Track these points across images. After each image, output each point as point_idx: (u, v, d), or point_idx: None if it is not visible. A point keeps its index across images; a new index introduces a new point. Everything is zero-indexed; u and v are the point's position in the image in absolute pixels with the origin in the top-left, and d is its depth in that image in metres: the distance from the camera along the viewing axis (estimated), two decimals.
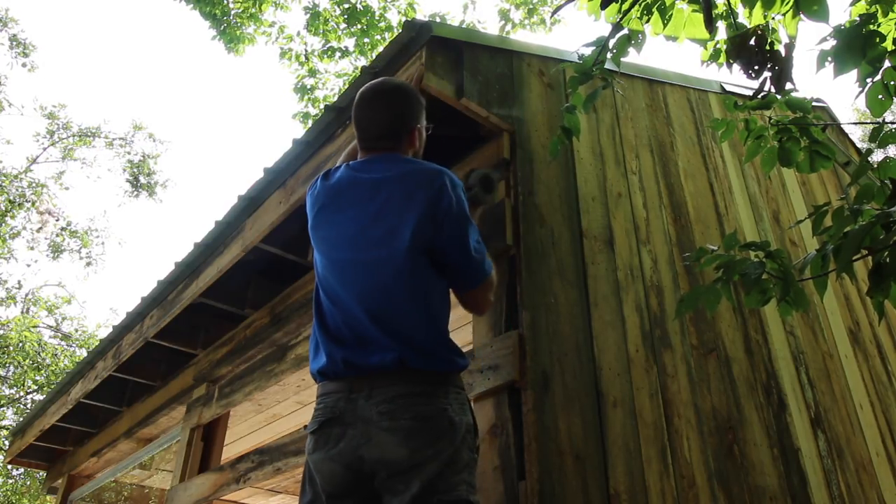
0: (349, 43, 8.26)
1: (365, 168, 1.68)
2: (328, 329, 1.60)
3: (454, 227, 1.57)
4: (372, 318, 1.53)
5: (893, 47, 1.72)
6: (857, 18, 1.60)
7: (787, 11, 1.87)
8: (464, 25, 8.02)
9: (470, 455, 1.49)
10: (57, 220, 14.19)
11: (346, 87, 2.48)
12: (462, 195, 1.64)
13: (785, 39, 1.86)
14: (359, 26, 8.05)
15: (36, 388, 12.60)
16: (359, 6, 8.01)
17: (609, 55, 2.03)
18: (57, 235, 14.23)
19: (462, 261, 1.60)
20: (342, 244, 1.62)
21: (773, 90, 1.81)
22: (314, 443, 1.53)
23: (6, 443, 11.96)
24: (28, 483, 13.21)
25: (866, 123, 2.61)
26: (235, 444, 4.41)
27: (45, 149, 14.21)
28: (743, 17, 2.01)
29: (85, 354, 11.41)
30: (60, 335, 13.72)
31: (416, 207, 1.55)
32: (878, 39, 1.58)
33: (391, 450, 1.43)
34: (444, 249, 1.58)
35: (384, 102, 1.73)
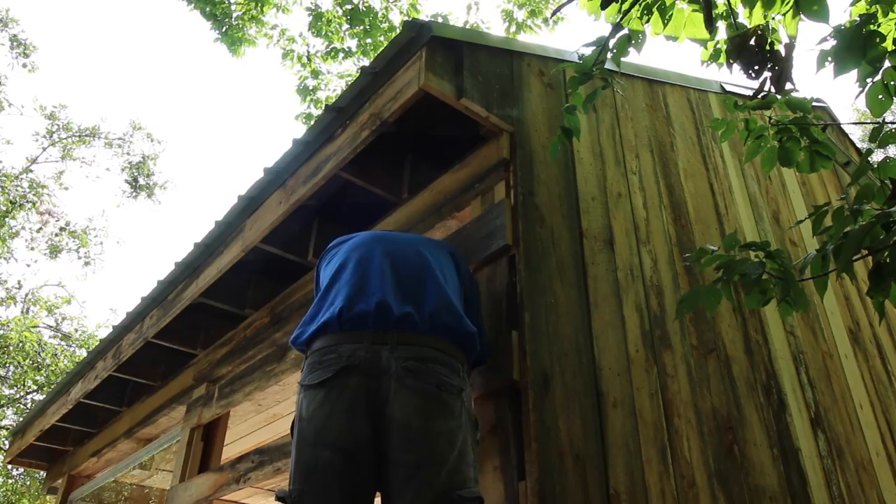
0: (352, 44, 8.26)
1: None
2: (364, 282, 1.61)
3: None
4: (415, 283, 1.64)
5: (893, 47, 1.72)
6: (857, 18, 1.60)
7: (787, 11, 1.87)
8: (467, 26, 8.02)
9: (475, 450, 1.51)
10: (56, 220, 14.20)
11: (347, 87, 2.48)
12: None
13: (785, 39, 1.86)
14: (361, 27, 8.05)
15: (36, 388, 12.59)
16: (361, 7, 8.01)
17: (609, 55, 2.03)
18: (56, 235, 14.23)
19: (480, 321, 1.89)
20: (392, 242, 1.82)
21: (773, 90, 1.81)
22: (323, 395, 1.41)
23: (6, 443, 11.96)
24: (28, 483, 13.21)
25: (866, 123, 2.61)
26: (235, 444, 4.40)
27: (44, 149, 14.22)
28: (743, 17, 2.01)
29: (85, 354, 11.41)
30: (60, 335, 13.72)
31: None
32: (878, 39, 1.58)
33: (411, 411, 1.38)
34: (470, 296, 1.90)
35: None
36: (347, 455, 1.37)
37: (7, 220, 13.29)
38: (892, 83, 1.65)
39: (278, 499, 1.41)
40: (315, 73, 8.39)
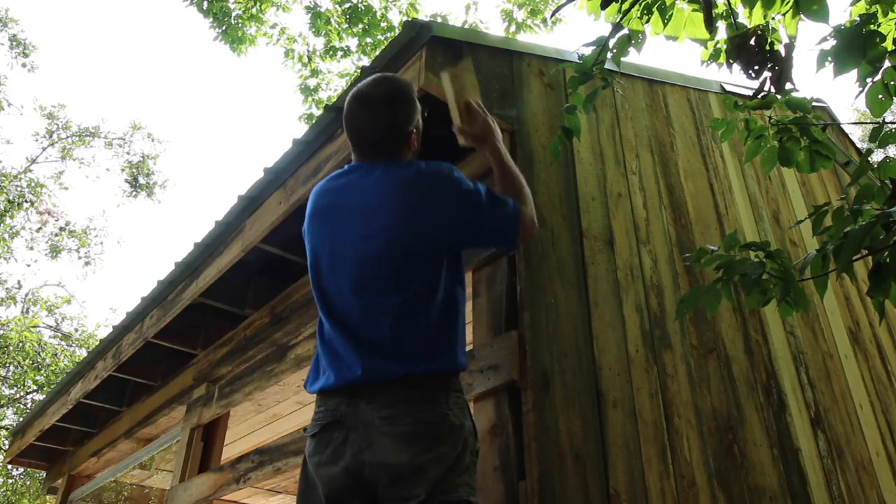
0: (351, 43, 8.27)
1: (358, 179, 1.66)
2: (328, 347, 1.60)
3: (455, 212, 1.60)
4: (372, 328, 1.54)
5: (893, 47, 1.72)
6: (857, 18, 1.60)
7: (787, 11, 1.87)
8: (466, 26, 8.02)
9: (471, 458, 1.49)
10: (56, 220, 14.19)
11: (347, 87, 2.48)
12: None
13: (785, 39, 1.86)
14: (361, 26, 8.06)
15: (36, 388, 12.59)
16: (360, 6, 8.01)
17: (609, 55, 2.03)
18: (56, 235, 14.23)
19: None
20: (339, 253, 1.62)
21: (773, 90, 1.81)
22: (314, 446, 1.52)
23: (6, 443, 11.96)
24: (28, 483, 13.21)
25: (866, 123, 2.61)
26: (235, 444, 4.41)
27: (44, 149, 14.22)
28: (743, 17, 2.01)
29: (85, 354, 11.41)
30: (60, 335, 13.72)
31: (411, 212, 1.58)
32: (878, 39, 1.58)
33: (392, 454, 1.42)
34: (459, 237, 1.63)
35: (375, 113, 1.65)
36: (331, 499, 1.47)
37: (7, 219, 13.29)
38: (892, 83, 1.65)
39: None
40: (315, 73, 8.40)
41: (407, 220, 1.56)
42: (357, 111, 1.66)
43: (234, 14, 7.87)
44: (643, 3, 2.05)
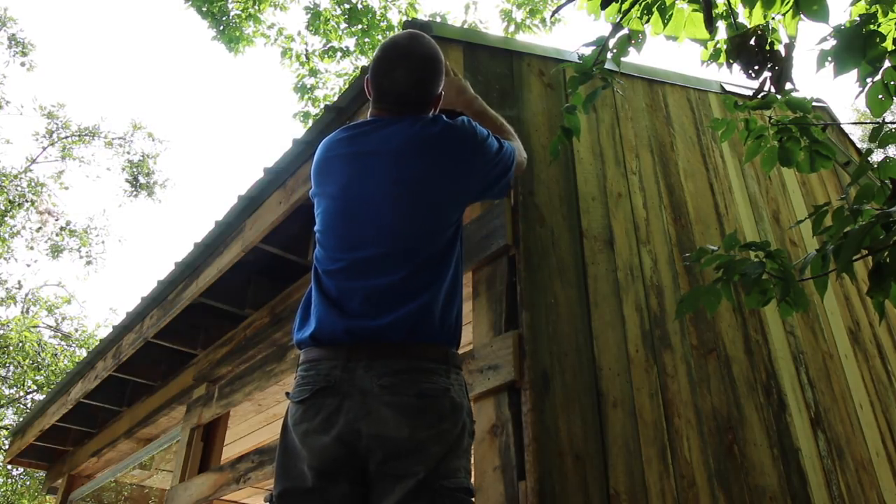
0: (350, 43, 8.27)
1: (381, 127, 1.62)
2: (329, 294, 1.51)
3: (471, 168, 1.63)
4: (383, 276, 1.47)
5: (893, 47, 1.72)
6: (857, 18, 1.61)
7: (787, 11, 1.87)
8: (465, 26, 8.02)
9: (468, 441, 1.44)
10: (56, 220, 14.20)
11: (347, 86, 2.47)
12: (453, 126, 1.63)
13: (785, 39, 1.86)
14: (360, 26, 8.06)
15: (36, 388, 12.60)
16: (359, 6, 8.01)
17: (609, 55, 2.03)
18: (56, 235, 14.23)
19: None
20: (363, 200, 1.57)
21: (773, 90, 1.81)
22: (302, 413, 1.41)
23: (6, 443, 11.96)
24: (28, 483, 13.21)
25: (866, 123, 2.61)
26: (235, 444, 4.41)
27: (44, 148, 14.22)
28: (743, 17, 2.01)
29: (85, 354, 11.41)
30: (60, 335, 13.73)
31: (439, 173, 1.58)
32: (878, 39, 1.58)
33: (392, 427, 1.34)
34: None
35: (415, 67, 1.62)
36: (319, 472, 1.37)
37: (7, 219, 13.29)
38: (892, 83, 1.65)
39: (265, 500, 1.43)
40: (313, 72, 8.39)
41: (438, 173, 1.55)
42: (396, 61, 1.62)
43: (232, 14, 7.87)
44: (643, 3, 2.05)
